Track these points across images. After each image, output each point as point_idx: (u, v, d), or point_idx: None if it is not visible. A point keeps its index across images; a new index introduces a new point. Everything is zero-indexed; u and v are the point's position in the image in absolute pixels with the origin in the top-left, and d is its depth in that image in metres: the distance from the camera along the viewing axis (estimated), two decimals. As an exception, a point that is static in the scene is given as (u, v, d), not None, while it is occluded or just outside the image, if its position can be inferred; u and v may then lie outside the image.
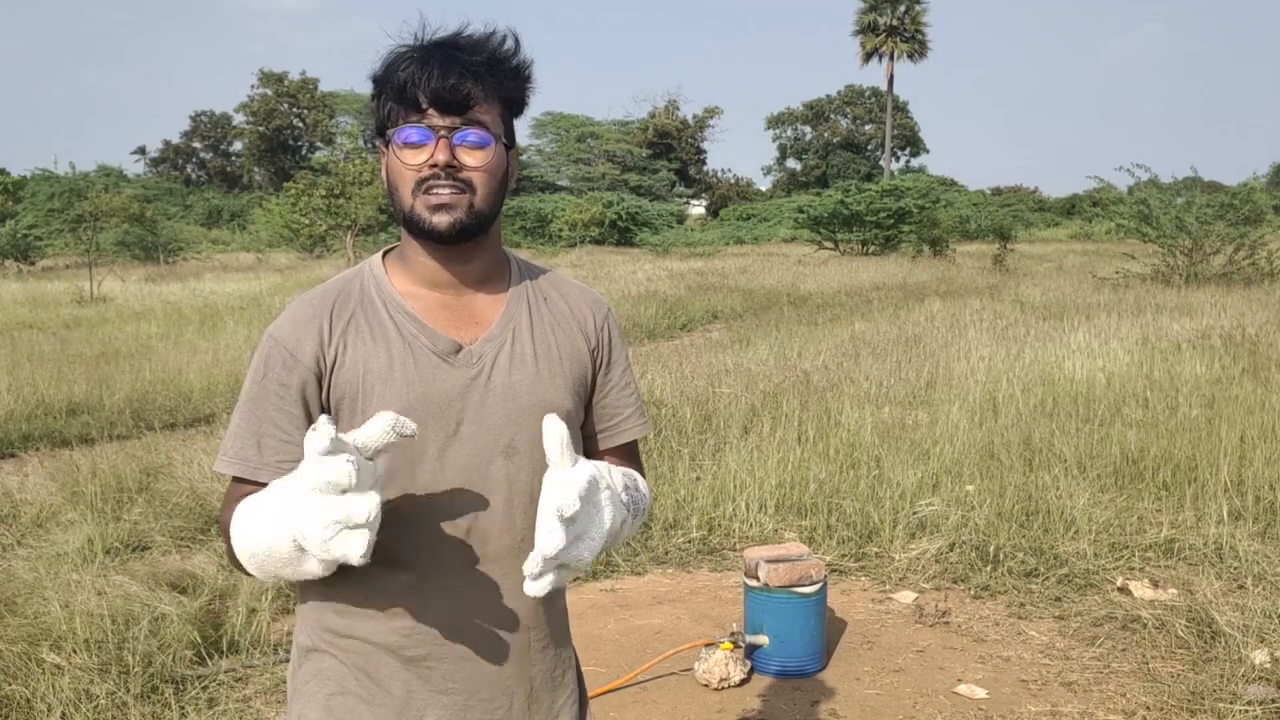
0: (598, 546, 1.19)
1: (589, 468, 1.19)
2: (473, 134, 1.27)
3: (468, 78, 1.26)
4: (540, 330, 1.39)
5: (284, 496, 1.13)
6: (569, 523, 1.14)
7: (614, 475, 1.26)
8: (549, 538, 1.13)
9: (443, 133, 1.26)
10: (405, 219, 1.31)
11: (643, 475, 1.52)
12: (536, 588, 1.15)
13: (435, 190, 1.27)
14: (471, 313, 1.36)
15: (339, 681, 1.33)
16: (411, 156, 1.27)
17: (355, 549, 1.07)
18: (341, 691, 1.33)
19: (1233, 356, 8.49)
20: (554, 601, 1.42)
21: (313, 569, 1.15)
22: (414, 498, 1.29)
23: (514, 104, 1.35)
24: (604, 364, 1.46)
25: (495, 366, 1.34)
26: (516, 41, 1.32)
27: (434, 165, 1.26)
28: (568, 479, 1.15)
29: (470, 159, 1.28)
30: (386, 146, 1.30)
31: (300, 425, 1.29)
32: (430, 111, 1.26)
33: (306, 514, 1.08)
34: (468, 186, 1.28)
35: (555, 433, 1.16)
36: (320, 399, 1.31)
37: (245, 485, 1.29)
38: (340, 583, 1.32)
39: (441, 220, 1.28)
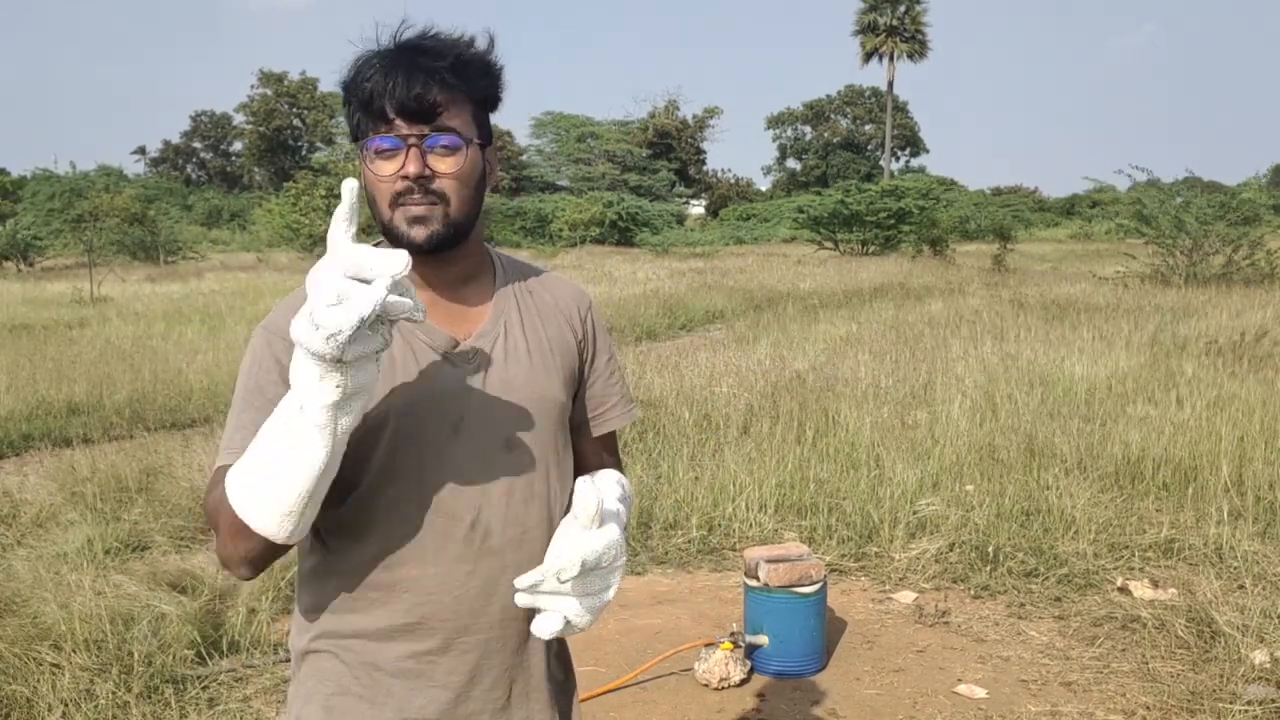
0: (598, 606, 1.28)
1: (614, 532, 1.27)
2: (443, 140, 1.26)
3: (433, 85, 1.24)
4: (531, 324, 1.41)
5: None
6: (571, 581, 1.23)
7: (622, 516, 1.33)
8: (539, 590, 1.25)
9: (412, 141, 1.25)
10: (385, 230, 1.31)
11: (619, 465, 1.57)
12: (540, 627, 1.26)
13: (410, 204, 1.27)
14: (462, 310, 1.37)
15: (338, 681, 1.34)
16: (384, 167, 1.27)
17: (346, 317, 1.02)
18: (342, 691, 1.34)
19: (1235, 357, 8.49)
20: None
21: (312, 442, 1.09)
22: (416, 494, 1.30)
23: (486, 100, 1.34)
24: (591, 354, 1.49)
25: (491, 361, 1.35)
26: (490, 40, 1.32)
27: (405, 177, 1.25)
28: (584, 541, 1.24)
29: (442, 165, 1.27)
30: (361, 149, 1.30)
31: None
32: (398, 121, 1.25)
33: (318, 282, 1.04)
34: (440, 198, 1.27)
35: (593, 497, 1.23)
36: None
37: None
38: (342, 581, 1.33)
39: (419, 233, 1.27)
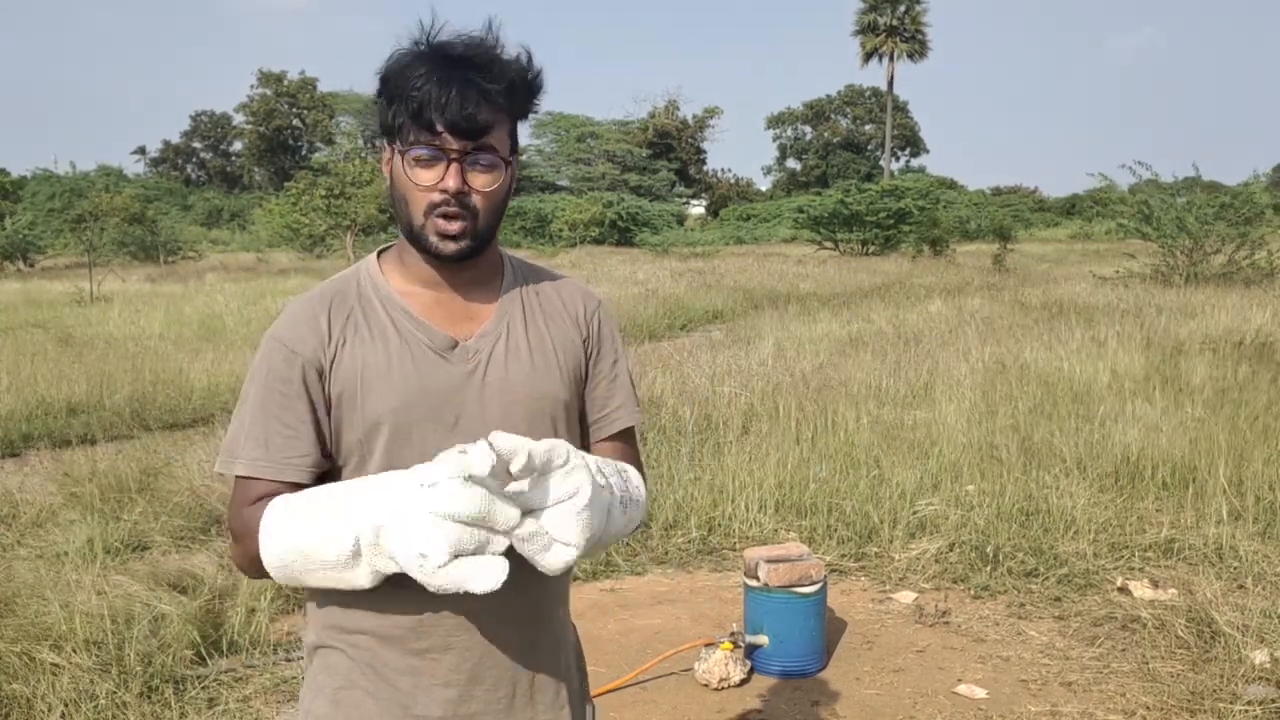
0: (584, 517, 1.16)
1: (549, 442, 1.18)
2: (484, 158, 1.29)
3: (485, 105, 1.26)
4: (534, 324, 1.42)
5: (375, 500, 1.17)
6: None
7: (588, 456, 1.26)
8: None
9: (455, 156, 1.27)
10: (411, 234, 1.33)
11: (639, 465, 1.53)
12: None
13: (445, 219, 1.29)
14: (467, 310, 1.39)
15: (346, 675, 1.36)
16: (423, 176, 1.29)
17: (486, 578, 1.11)
18: (348, 685, 1.36)
19: (1235, 358, 8.49)
20: (558, 594, 1.45)
21: (356, 579, 1.21)
22: None
23: (522, 114, 1.37)
24: (594, 354, 1.49)
25: (491, 361, 1.37)
26: (530, 59, 1.33)
27: (444, 190, 1.28)
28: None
29: (479, 182, 1.30)
30: (391, 148, 1.31)
31: (304, 419, 1.32)
32: (445, 135, 1.27)
33: (426, 533, 1.11)
34: (472, 213, 1.31)
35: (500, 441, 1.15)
36: (323, 395, 1.33)
37: (254, 484, 1.31)
38: None
39: (448, 248, 1.31)
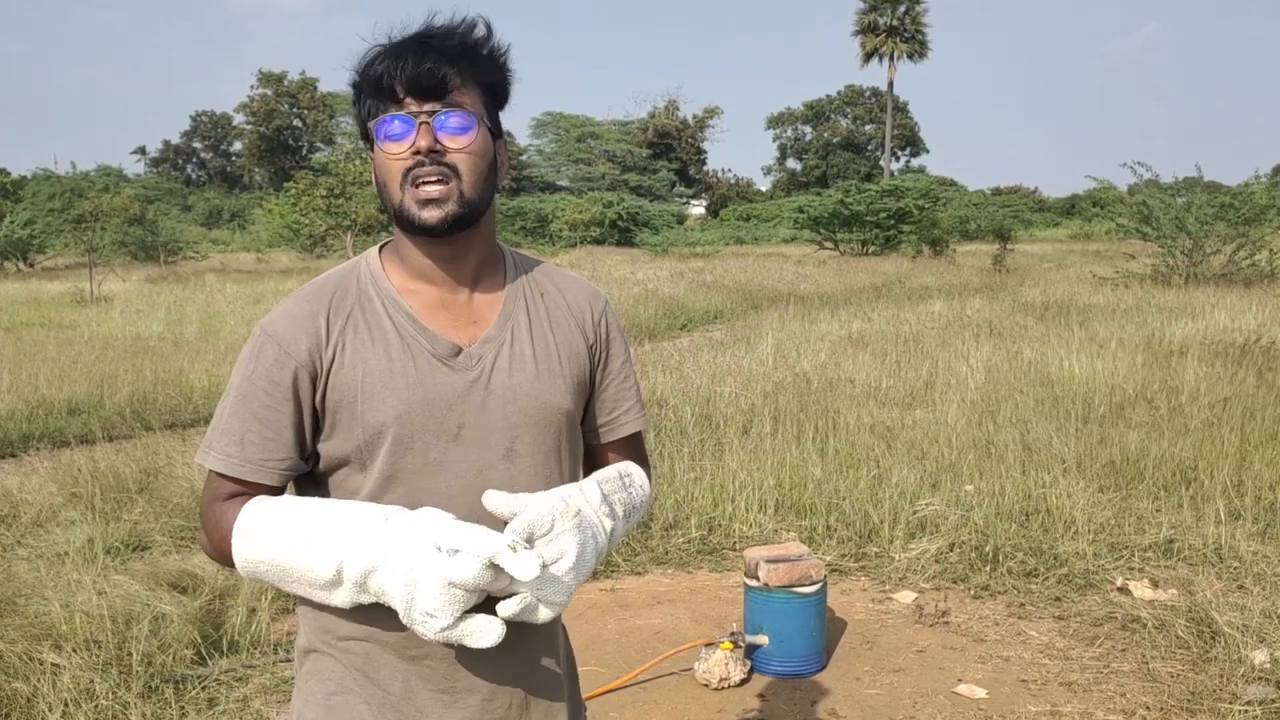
0: (570, 577, 1.24)
1: (544, 501, 1.26)
2: (454, 116, 1.26)
3: (442, 62, 1.25)
4: (539, 329, 1.39)
5: (368, 539, 1.19)
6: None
7: (588, 493, 1.30)
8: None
9: (423, 118, 1.25)
10: (396, 215, 1.29)
11: (646, 466, 1.51)
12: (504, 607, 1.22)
13: (423, 183, 1.26)
14: (469, 311, 1.35)
15: (338, 681, 1.34)
16: (394, 147, 1.26)
17: (485, 638, 1.19)
18: (341, 691, 1.34)
19: (1236, 359, 8.49)
20: None
21: (332, 599, 1.23)
22: (414, 502, 1.29)
23: (495, 91, 1.34)
24: (602, 359, 1.46)
25: (495, 368, 1.33)
26: (488, 27, 1.32)
27: (417, 152, 1.25)
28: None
29: (453, 142, 1.26)
30: (372, 147, 1.29)
31: (287, 423, 1.28)
32: (408, 100, 1.25)
33: (438, 599, 1.15)
34: (454, 172, 1.26)
35: (493, 503, 1.25)
36: (314, 399, 1.30)
37: (226, 481, 1.29)
38: None
39: (432, 215, 1.26)
